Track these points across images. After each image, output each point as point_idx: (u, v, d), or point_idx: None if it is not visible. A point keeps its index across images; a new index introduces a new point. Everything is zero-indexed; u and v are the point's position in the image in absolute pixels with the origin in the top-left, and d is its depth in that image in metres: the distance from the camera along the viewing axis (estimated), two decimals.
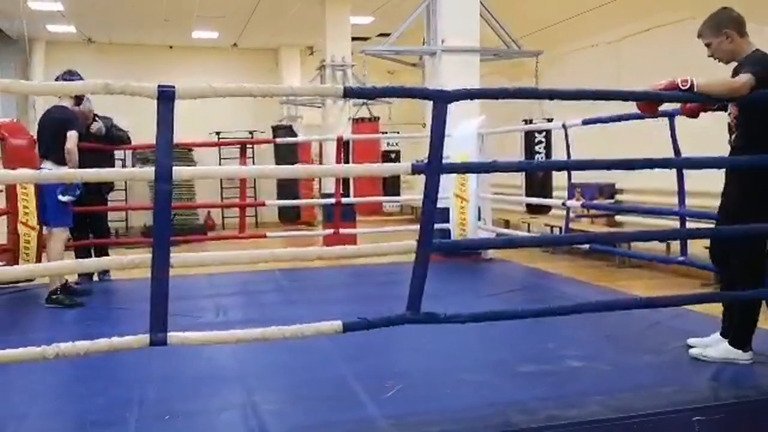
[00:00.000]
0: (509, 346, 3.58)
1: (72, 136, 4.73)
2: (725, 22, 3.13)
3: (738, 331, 3.18)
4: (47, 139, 4.84)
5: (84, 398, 2.92)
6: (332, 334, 2.67)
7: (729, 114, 3.21)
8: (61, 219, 4.89)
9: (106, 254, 5.81)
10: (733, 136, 3.17)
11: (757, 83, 2.92)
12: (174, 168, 2.40)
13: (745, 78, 2.93)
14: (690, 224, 4.70)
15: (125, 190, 12.47)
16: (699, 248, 5.51)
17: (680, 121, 4.33)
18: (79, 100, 5.18)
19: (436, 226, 6.48)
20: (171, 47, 14.17)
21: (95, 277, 5.85)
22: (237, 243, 6.50)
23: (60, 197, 4.76)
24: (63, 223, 4.91)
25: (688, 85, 2.91)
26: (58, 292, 4.81)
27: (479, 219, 6.73)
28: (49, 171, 4.57)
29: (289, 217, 12.28)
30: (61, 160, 4.69)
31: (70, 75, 4.97)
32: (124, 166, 11.58)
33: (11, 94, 10.67)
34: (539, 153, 7.45)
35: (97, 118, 5.99)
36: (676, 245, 5.59)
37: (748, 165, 3.07)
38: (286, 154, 11.31)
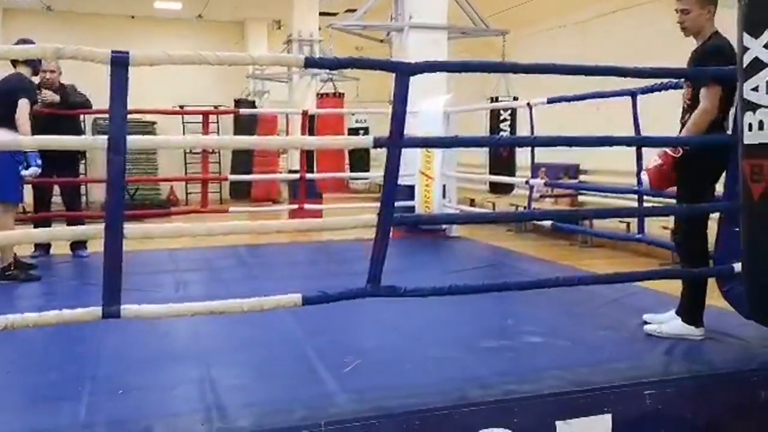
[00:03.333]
0: (471, 322, 3.60)
1: (22, 104, 4.57)
2: None
3: (689, 308, 3.26)
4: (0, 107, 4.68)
5: (36, 373, 2.87)
6: (292, 307, 2.65)
7: (683, 93, 3.27)
8: (11, 194, 4.72)
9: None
10: (687, 115, 3.21)
11: (719, 84, 2.98)
12: (128, 137, 2.33)
13: (708, 100, 3.01)
14: (649, 204, 4.78)
15: (85, 163, 12.18)
16: (657, 227, 5.63)
17: (645, 100, 4.39)
18: (35, 68, 5.00)
19: (402, 203, 6.53)
20: (133, 17, 13.82)
21: (68, 251, 5.70)
22: (199, 218, 6.41)
23: (23, 172, 4.62)
24: (15, 199, 4.76)
25: (679, 152, 3.05)
26: (12, 268, 4.69)
27: (444, 197, 6.74)
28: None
29: (244, 194, 12.17)
30: (14, 130, 4.54)
31: (24, 43, 4.80)
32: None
33: None
34: (504, 131, 7.49)
35: (65, 87, 5.81)
36: (635, 224, 5.68)
37: (702, 144, 3.11)
38: (248, 128, 11.18)
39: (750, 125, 2.37)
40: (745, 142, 2.39)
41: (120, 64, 2.28)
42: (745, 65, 2.37)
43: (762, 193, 2.29)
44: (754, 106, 2.34)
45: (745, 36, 2.35)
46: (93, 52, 2.28)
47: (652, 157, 3.23)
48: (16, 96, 4.59)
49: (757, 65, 2.31)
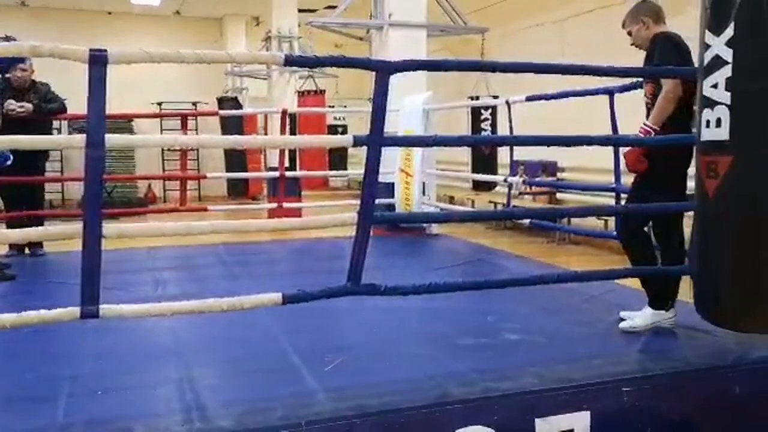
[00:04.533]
0: (450, 320, 3.62)
1: None
2: (642, 10, 3.37)
3: (658, 293, 3.35)
4: None
5: (12, 374, 2.83)
6: (272, 306, 2.64)
7: (645, 93, 3.39)
8: None
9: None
10: (650, 112, 3.28)
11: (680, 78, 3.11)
12: (106, 135, 2.31)
13: (668, 83, 3.15)
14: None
15: (61, 161, 12.05)
16: None
17: (624, 99, 4.44)
18: (4, 67, 4.86)
19: (382, 201, 6.53)
20: (109, 13, 13.65)
21: (26, 251, 5.62)
22: (178, 216, 6.36)
23: None
24: None
25: (650, 131, 3.17)
26: None
27: (424, 194, 6.76)
28: None
29: (235, 191, 12.14)
30: None
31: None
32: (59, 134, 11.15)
33: None
34: (485, 130, 7.52)
35: (37, 85, 5.66)
36: (612, 222, 5.74)
37: (671, 143, 3.17)
38: (232, 126, 11.12)
39: (708, 122, 2.40)
40: (702, 138, 2.42)
41: (98, 62, 2.26)
42: (705, 63, 2.40)
43: (716, 189, 2.32)
44: (712, 103, 2.37)
45: (707, 34, 2.38)
46: (70, 50, 2.25)
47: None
48: None
49: (717, 62, 2.34)
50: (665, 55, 3.17)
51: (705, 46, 2.40)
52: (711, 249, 2.42)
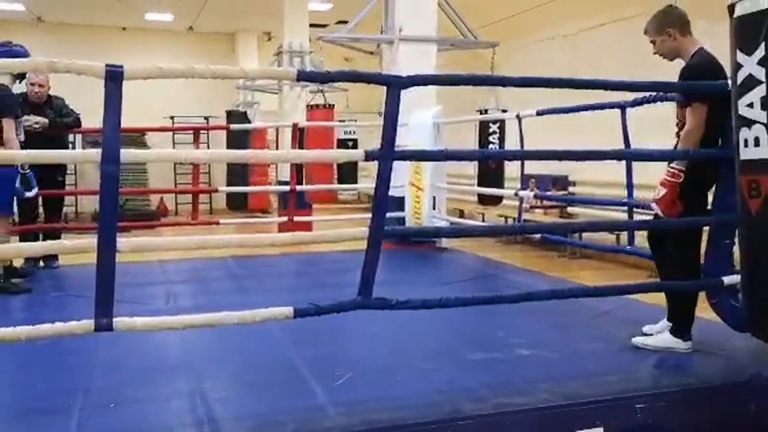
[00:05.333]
0: (460, 334, 3.61)
1: (6, 126, 4.44)
2: (668, 21, 3.21)
3: (676, 320, 3.27)
4: None
5: (25, 386, 2.85)
6: (283, 320, 2.65)
7: (676, 114, 3.31)
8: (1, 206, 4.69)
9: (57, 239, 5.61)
10: (681, 133, 3.24)
11: (703, 102, 3.03)
12: (121, 150, 2.33)
13: (693, 119, 3.05)
14: (640, 216, 4.81)
15: (75, 174, 12.14)
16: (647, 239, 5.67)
17: (636, 113, 4.43)
18: (20, 76, 4.89)
19: (392, 214, 6.53)
20: (124, 29, 13.82)
21: (41, 263, 5.67)
22: (190, 229, 6.40)
23: (26, 195, 4.64)
24: (3, 211, 4.72)
25: (678, 173, 3.07)
26: (2, 279, 4.65)
27: (434, 208, 6.76)
28: None
29: (239, 204, 12.17)
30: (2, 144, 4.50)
31: (2, 46, 4.74)
32: (74, 149, 11.25)
33: None
34: (493, 143, 7.53)
35: (52, 99, 5.73)
36: (625, 236, 5.72)
37: (694, 158, 3.14)
38: (240, 140, 11.19)
39: (746, 141, 2.40)
40: (741, 158, 2.42)
41: (114, 77, 2.29)
42: (739, 82, 2.40)
43: (759, 208, 2.31)
44: (749, 122, 2.37)
45: (738, 53, 2.39)
46: (87, 66, 2.28)
47: (649, 173, 3.23)
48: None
49: (750, 82, 2.35)
50: (695, 85, 3.08)
51: (737, 66, 2.40)
52: (760, 267, 2.41)
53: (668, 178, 3.12)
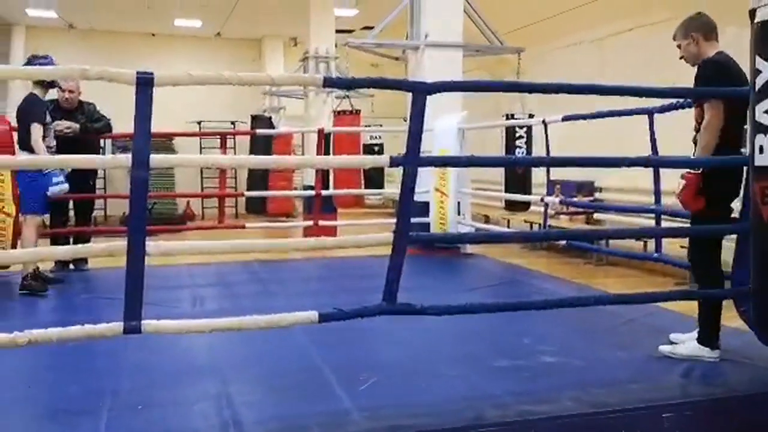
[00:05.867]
0: (485, 340, 3.60)
1: (33, 130, 4.63)
2: (694, 25, 3.27)
3: (703, 329, 3.24)
4: (19, 129, 4.78)
5: (56, 387, 2.90)
6: (308, 324, 2.67)
7: (694, 117, 3.29)
8: (33, 206, 4.83)
9: (87, 243, 5.72)
10: (697, 135, 3.22)
11: (723, 102, 3.03)
12: (151, 155, 2.38)
13: (710, 113, 3.06)
14: (666, 223, 4.76)
15: (104, 178, 12.33)
16: (674, 246, 5.60)
17: (663, 119, 4.39)
18: (48, 87, 5.01)
19: (416, 220, 6.54)
20: (153, 35, 14.02)
21: (71, 266, 5.77)
22: (216, 233, 6.47)
23: (49, 191, 4.75)
24: (35, 210, 4.85)
25: (694, 176, 3.08)
26: (29, 278, 4.76)
27: (459, 214, 6.75)
28: (20, 158, 4.48)
29: (258, 208, 12.25)
30: (32, 151, 4.63)
31: (35, 59, 4.88)
32: (103, 154, 11.43)
33: None
34: (520, 149, 7.49)
35: (83, 105, 5.85)
36: (652, 243, 5.66)
37: (719, 164, 3.11)
38: (265, 145, 11.28)
39: (761, 147, 2.37)
40: (756, 164, 2.39)
41: (144, 84, 2.33)
42: (757, 88, 2.38)
43: None
44: (765, 129, 2.34)
45: (758, 59, 2.36)
46: (118, 73, 2.33)
47: (677, 180, 3.22)
48: (27, 121, 4.67)
49: None
50: (706, 83, 3.11)
51: (756, 72, 2.38)
52: None
53: (690, 171, 3.13)
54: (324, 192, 7.17)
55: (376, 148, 13.37)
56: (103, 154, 11.31)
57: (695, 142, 3.24)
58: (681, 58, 3.33)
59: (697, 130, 3.23)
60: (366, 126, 11.41)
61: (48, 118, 4.91)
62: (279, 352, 3.32)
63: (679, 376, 3.07)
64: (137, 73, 2.33)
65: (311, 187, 8.48)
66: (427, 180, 6.50)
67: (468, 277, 6.00)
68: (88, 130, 5.73)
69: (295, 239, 3.26)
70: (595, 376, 3.05)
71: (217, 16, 12.53)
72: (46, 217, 5.43)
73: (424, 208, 6.69)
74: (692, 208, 3.20)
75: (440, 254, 6.61)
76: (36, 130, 4.64)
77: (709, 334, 3.22)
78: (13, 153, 4.72)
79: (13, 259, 3.27)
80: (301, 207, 11.50)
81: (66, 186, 4.90)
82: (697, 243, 3.32)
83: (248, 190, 11.63)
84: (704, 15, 3.30)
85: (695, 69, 3.25)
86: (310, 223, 6.92)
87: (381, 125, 12.11)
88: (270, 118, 13.06)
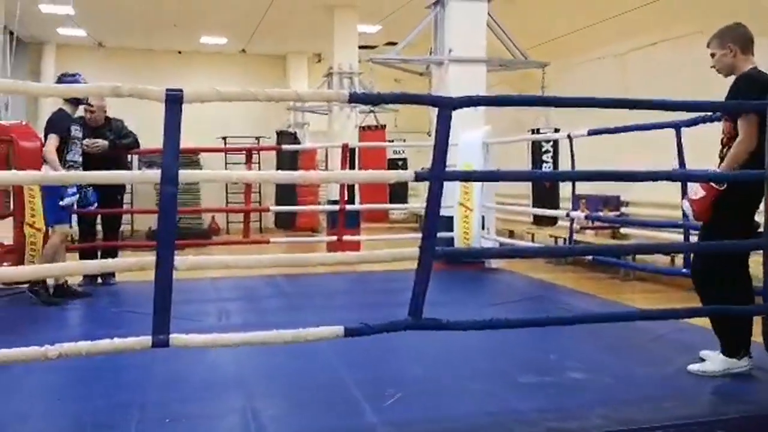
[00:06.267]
0: (511, 356, 3.57)
1: (50, 140, 4.75)
2: (732, 35, 3.21)
3: (731, 340, 3.20)
4: (45, 142, 4.90)
5: (85, 400, 2.93)
6: (334, 339, 2.67)
7: (723, 129, 3.25)
8: (57, 217, 4.95)
9: (114, 257, 5.80)
10: (726, 149, 3.18)
11: (755, 113, 2.99)
12: (180, 171, 2.41)
13: (744, 130, 3.03)
14: (694, 237, 4.69)
15: (131, 193, 12.51)
16: None
17: (690, 132, 4.34)
18: (77, 103, 5.12)
19: (441, 234, 6.53)
20: (180, 52, 14.24)
21: (98, 280, 5.85)
22: (240, 248, 6.52)
23: (60, 202, 4.84)
24: (59, 221, 4.96)
25: (723, 185, 3.04)
26: (39, 284, 4.87)
27: (483, 228, 6.73)
28: (45, 174, 4.55)
29: (287, 224, 12.33)
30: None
31: (65, 77, 4.99)
32: (130, 170, 11.59)
33: (20, 96, 10.70)
34: (546, 163, 7.46)
35: (111, 121, 5.96)
36: (680, 258, 5.58)
37: (744, 178, 3.07)
38: (290, 160, 11.36)
39: None
40: None
41: (173, 101, 2.36)
42: None
43: None
44: None
45: None
46: (148, 90, 2.37)
47: (695, 186, 3.20)
48: (47, 133, 4.83)
49: None
50: (742, 98, 3.06)
51: None
52: None
53: (713, 184, 3.08)
54: (348, 206, 7.20)
55: (400, 163, 13.41)
56: (131, 169, 11.51)
57: (722, 159, 3.19)
58: (712, 67, 3.28)
59: (725, 144, 3.19)
60: (390, 141, 11.46)
61: (75, 133, 5.02)
62: (304, 366, 3.33)
63: (710, 393, 3.01)
64: (166, 90, 2.36)
65: (335, 202, 8.53)
66: (451, 194, 6.50)
67: (493, 292, 5.96)
68: (116, 146, 5.83)
69: (321, 254, 3.27)
70: (624, 392, 3.01)
71: (242, 34, 12.70)
72: (75, 230, 5.53)
73: (448, 223, 6.68)
74: (700, 218, 3.17)
75: (465, 269, 6.59)
76: (51, 140, 4.76)
77: (735, 344, 3.17)
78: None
79: (46, 273, 3.31)
80: (325, 222, 11.53)
81: (76, 197, 4.98)
82: (719, 257, 3.23)
83: (277, 204, 11.71)
84: (743, 26, 3.24)
85: (726, 81, 3.22)
86: (334, 237, 6.95)
87: (404, 140, 12.14)
88: (295, 133, 13.17)
